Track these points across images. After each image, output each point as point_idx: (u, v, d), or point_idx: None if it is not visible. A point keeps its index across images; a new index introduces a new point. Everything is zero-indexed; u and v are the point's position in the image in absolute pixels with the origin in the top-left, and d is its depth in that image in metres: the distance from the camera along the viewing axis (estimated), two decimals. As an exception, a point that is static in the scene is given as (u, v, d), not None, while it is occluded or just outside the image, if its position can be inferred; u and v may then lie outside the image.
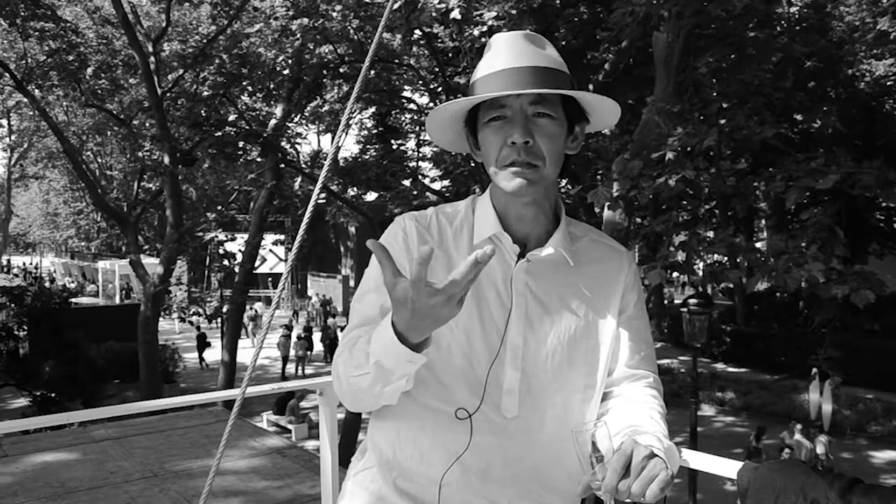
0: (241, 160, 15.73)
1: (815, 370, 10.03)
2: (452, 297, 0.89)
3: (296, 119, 16.43)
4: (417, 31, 10.43)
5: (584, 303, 1.19)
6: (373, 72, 13.18)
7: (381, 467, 1.21)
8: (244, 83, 14.36)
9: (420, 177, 19.83)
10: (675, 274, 6.32)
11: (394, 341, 0.96)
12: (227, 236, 15.37)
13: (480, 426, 1.13)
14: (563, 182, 11.16)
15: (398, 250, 1.18)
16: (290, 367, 19.16)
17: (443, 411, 1.14)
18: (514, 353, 1.14)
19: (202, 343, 20.18)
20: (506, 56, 1.13)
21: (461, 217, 1.23)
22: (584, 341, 1.18)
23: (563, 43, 9.94)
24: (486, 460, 1.14)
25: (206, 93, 14.18)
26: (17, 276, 38.05)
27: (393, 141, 21.05)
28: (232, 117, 15.32)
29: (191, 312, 18.29)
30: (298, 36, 10.48)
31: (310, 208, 1.43)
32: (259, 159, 15.21)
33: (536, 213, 1.18)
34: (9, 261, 47.50)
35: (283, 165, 15.38)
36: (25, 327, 14.44)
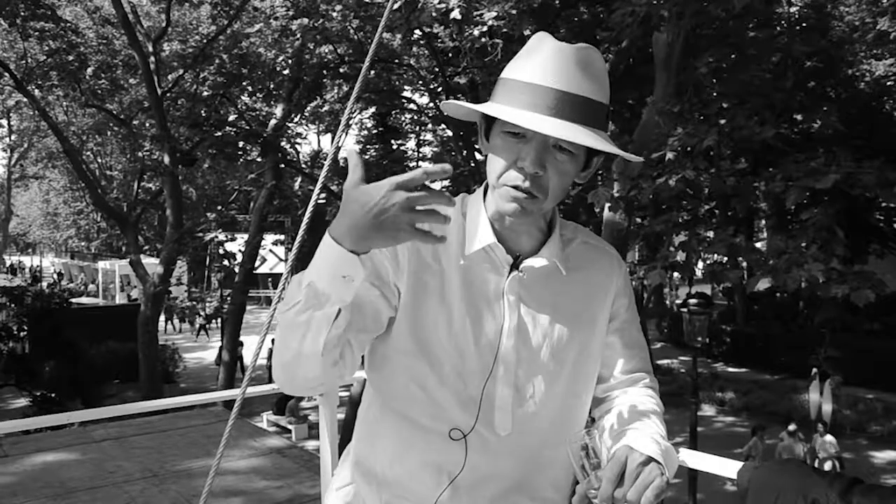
0: (241, 160, 15.74)
1: (815, 370, 10.05)
2: (392, 206, 0.86)
3: (296, 119, 16.44)
4: (417, 31, 10.44)
5: (576, 312, 1.16)
6: (373, 72, 13.18)
7: (370, 486, 1.18)
8: (244, 83, 14.37)
9: (420, 177, 19.82)
10: (675, 274, 6.33)
11: (330, 244, 0.91)
12: (227, 236, 15.35)
13: (475, 445, 1.10)
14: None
15: (386, 255, 1.09)
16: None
17: (436, 430, 1.10)
18: (507, 370, 1.11)
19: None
20: (546, 68, 1.02)
21: (451, 220, 1.19)
22: (576, 351, 1.15)
23: (564, 43, 9.94)
24: (481, 479, 1.11)
25: (206, 93, 14.18)
26: (13, 275, 37.72)
27: (393, 141, 21.12)
28: (232, 117, 15.33)
29: (188, 313, 18.24)
30: (298, 36, 10.49)
31: (310, 208, 1.43)
32: (259, 159, 15.22)
33: (529, 228, 1.14)
34: (5, 260, 47.43)
35: (283, 165, 15.39)
36: (25, 327, 14.43)
